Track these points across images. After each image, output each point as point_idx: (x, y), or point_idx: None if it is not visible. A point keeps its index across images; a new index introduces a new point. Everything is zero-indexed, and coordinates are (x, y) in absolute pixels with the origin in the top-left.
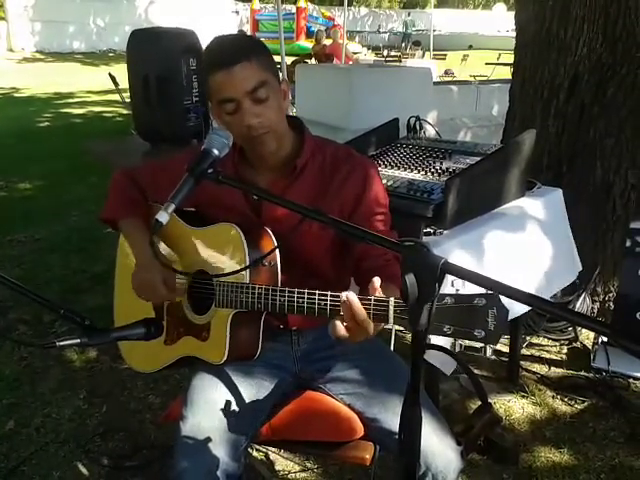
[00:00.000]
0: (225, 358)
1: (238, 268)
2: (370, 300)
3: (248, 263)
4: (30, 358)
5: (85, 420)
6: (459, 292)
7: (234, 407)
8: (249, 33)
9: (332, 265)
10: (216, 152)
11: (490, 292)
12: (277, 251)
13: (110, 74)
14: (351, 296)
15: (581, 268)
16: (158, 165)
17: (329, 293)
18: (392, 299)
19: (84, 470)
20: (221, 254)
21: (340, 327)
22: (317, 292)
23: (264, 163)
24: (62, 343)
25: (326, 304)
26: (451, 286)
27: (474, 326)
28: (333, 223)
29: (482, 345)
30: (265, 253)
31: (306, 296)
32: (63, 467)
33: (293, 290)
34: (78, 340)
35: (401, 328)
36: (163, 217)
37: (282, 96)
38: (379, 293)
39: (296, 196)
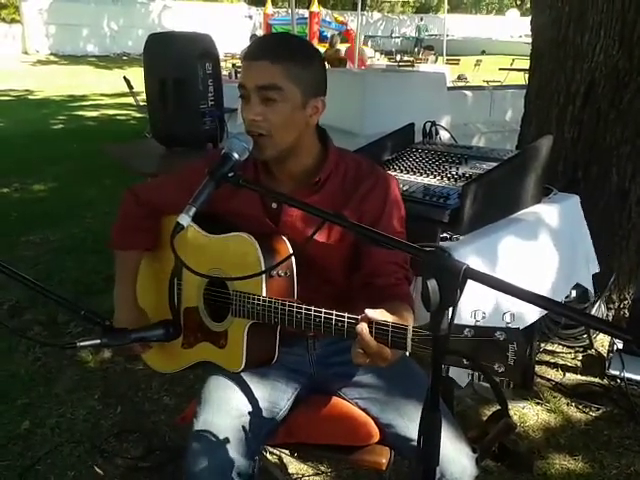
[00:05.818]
0: (243, 367)
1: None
2: (388, 327)
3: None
4: (45, 358)
5: (100, 420)
6: (479, 324)
7: (248, 407)
8: None
9: (346, 275)
10: (236, 156)
11: (511, 327)
12: (294, 261)
13: (125, 77)
14: (359, 328)
15: (598, 270)
16: (172, 176)
17: (346, 315)
18: (410, 327)
19: (98, 470)
20: (236, 263)
21: (358, 354)
22: (334, 313)
23: (286, 173)
24: (83, 344)
25: (343, 326)
26: (471, 317)
27: (494, 360)
28: (354, 228)
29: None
30: (280, 260)
31: (323, 316)
32: (77, 467)
33: (310, 308)
34: (98, 341)
35: None
36: (184, 220)
37: (302, 110)
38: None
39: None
